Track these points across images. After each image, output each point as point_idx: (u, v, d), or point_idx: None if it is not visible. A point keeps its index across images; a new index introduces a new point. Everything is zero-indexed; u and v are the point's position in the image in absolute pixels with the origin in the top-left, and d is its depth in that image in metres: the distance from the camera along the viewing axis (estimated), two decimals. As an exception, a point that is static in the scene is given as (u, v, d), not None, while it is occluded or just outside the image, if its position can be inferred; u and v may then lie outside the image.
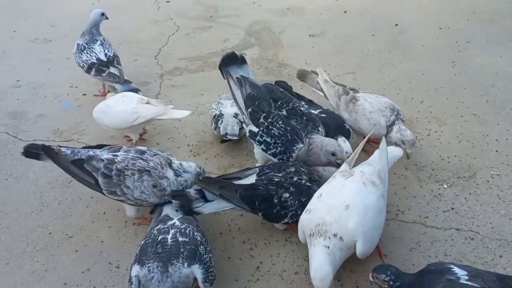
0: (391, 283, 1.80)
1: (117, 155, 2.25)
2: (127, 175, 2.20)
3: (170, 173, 2.28)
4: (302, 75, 3.14)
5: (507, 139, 2.99)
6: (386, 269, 1.83)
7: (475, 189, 2.60)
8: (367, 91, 3.27)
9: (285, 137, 2.38)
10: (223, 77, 2.64)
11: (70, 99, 3.55)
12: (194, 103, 3.48)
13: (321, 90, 2.97)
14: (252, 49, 4.32)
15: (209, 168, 2.75)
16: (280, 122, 2.40)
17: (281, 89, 2.67)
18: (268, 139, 2.40)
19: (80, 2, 5.34)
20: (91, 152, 2.27)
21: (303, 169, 2.30)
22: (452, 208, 2.48)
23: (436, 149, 2.91)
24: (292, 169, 2.28)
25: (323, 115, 2.75)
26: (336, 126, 2.66)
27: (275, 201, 2.18)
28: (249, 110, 2.46)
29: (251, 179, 2.27)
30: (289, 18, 4.94)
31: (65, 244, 2.32)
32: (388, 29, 4.64)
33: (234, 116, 2.92)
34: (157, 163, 2.26)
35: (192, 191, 2.26)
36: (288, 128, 2.39)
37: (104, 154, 2.26)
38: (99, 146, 2.41)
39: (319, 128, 2.48)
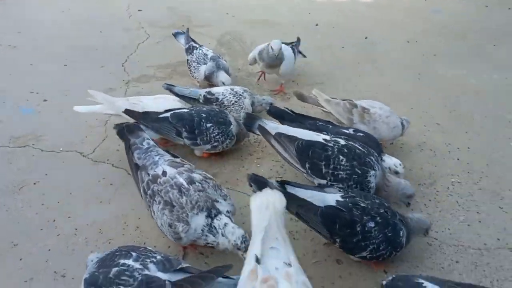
0: None
1: (166, 173, 2.10)
2: (155, 200, 2.06)
3: (198, 221, 1.98)
4: (301, 97, 3.11)
5: (468, 147, 3.01)
6: None
7: (435, 196, 2.60)
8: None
9: (356, 175, 2.23)
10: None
11: (30, 105, 3.45)
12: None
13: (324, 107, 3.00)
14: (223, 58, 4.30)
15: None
16: (343, 161, 2.24)
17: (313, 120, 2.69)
18: (340, 185, 2.24)
19: (49, 9, 5.26)
20: (155, 158, 2.20)
21: (388, 205, 2.09)
22: (412, 215, 2.46)
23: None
24: (378, 201, 2.06)
25: (360, 134, 2.60)
26: (375, 144, 2.55)
27: (358, 228, 1.95)
28: (307, 166, 2.30)
29: (331, 199, 2.04)
30: (261, 30, 4.95)
31: (10, 252, 2.21)
32: (358, 42, 4.68)
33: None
34: (190, 202, 2.00)
35: (274, 183, 2.06)
36: (355, 163, 2.23)
37: (160, 165, 2.15)
38: None
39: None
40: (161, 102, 2.96)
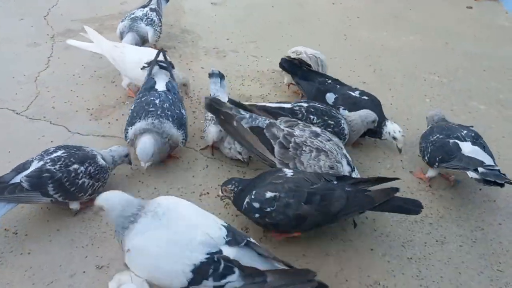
0: (235, 189, 2.11)
1: (294, 130, 2.27)
2: (305, 150, 2.20)
3: (344, 162, 2.26)
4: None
5: (391, 103, 3.33)
6: (230, 180, 2.15)
7: (362, 148, 2.89)
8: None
9: (330, 127, 2.50)
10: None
11: None
12: (92, 66, 3.29)
13: None
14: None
15: (113, 131, 2.67)
16: (315, 119, 2.50)
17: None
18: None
19: None
20: (265, 119, 2.33)
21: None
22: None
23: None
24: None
25: (365, 97, 2.82)
26: (379, 109, 2.80)
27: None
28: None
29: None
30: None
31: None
32: (287, 3, 4.81)
33: None
34: (333, 148, 2.26)
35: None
36: (325, 118, 2.52)
37: (282, 125, 2.30)
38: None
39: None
40: (142, 53, 2.84)
